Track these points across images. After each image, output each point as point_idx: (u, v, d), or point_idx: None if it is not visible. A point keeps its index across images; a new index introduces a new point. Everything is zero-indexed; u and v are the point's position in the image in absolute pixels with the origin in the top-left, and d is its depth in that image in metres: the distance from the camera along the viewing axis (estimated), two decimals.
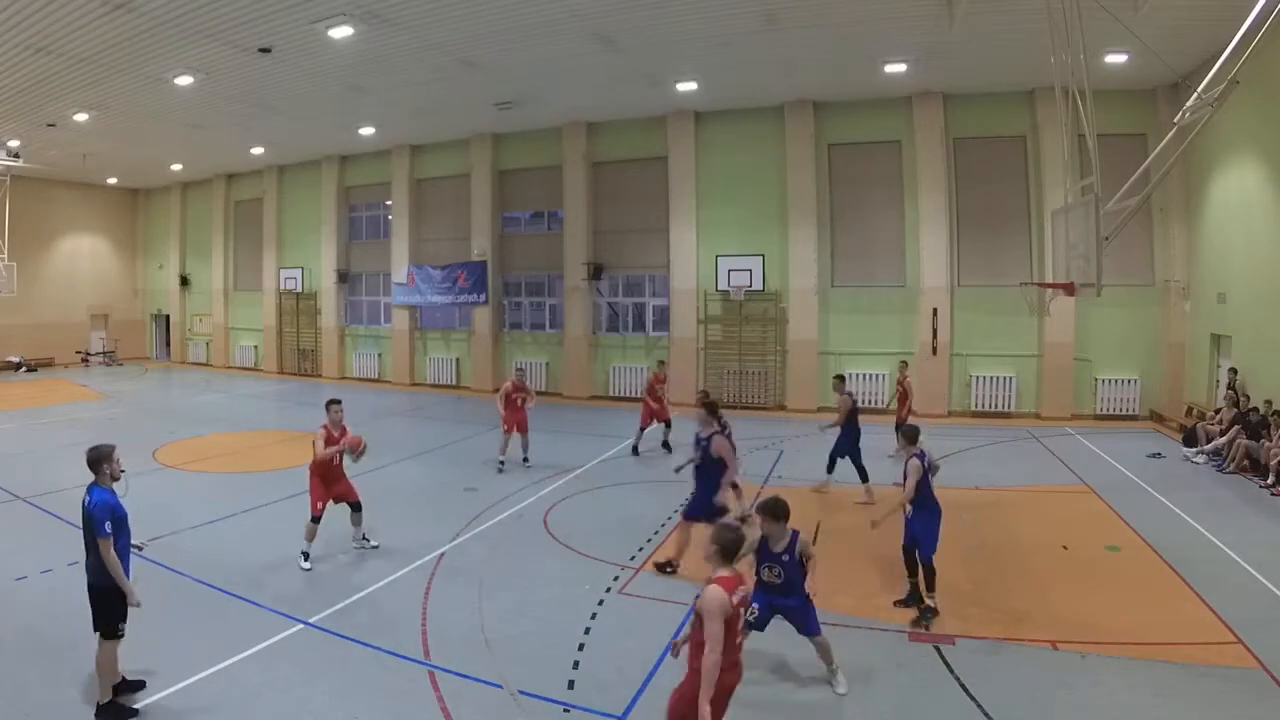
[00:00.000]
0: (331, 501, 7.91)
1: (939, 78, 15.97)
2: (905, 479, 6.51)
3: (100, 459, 4.97)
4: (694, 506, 7.50)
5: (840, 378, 11.45)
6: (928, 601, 6.47)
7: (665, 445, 13.54)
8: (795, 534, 5.30)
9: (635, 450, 13.38)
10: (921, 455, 6.66)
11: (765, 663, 5.59)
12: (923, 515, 6.51)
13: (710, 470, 7.43)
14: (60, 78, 14.94)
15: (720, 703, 3.82)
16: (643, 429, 13.57)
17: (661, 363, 15.47)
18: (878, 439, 12.71)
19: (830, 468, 10.69)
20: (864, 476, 10.39)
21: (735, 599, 3.86)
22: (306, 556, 7.68)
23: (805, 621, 5.36)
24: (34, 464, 11.85)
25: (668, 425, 13.73)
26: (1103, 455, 12.85)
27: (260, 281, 26.78)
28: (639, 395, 19.39)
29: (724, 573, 3.95)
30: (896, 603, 6.68)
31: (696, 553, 8.16)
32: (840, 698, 5.21)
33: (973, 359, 17.10)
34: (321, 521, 7.74)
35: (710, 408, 7.81)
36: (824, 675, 5.39)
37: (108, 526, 4.78)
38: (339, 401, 8.11)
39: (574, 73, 15.63)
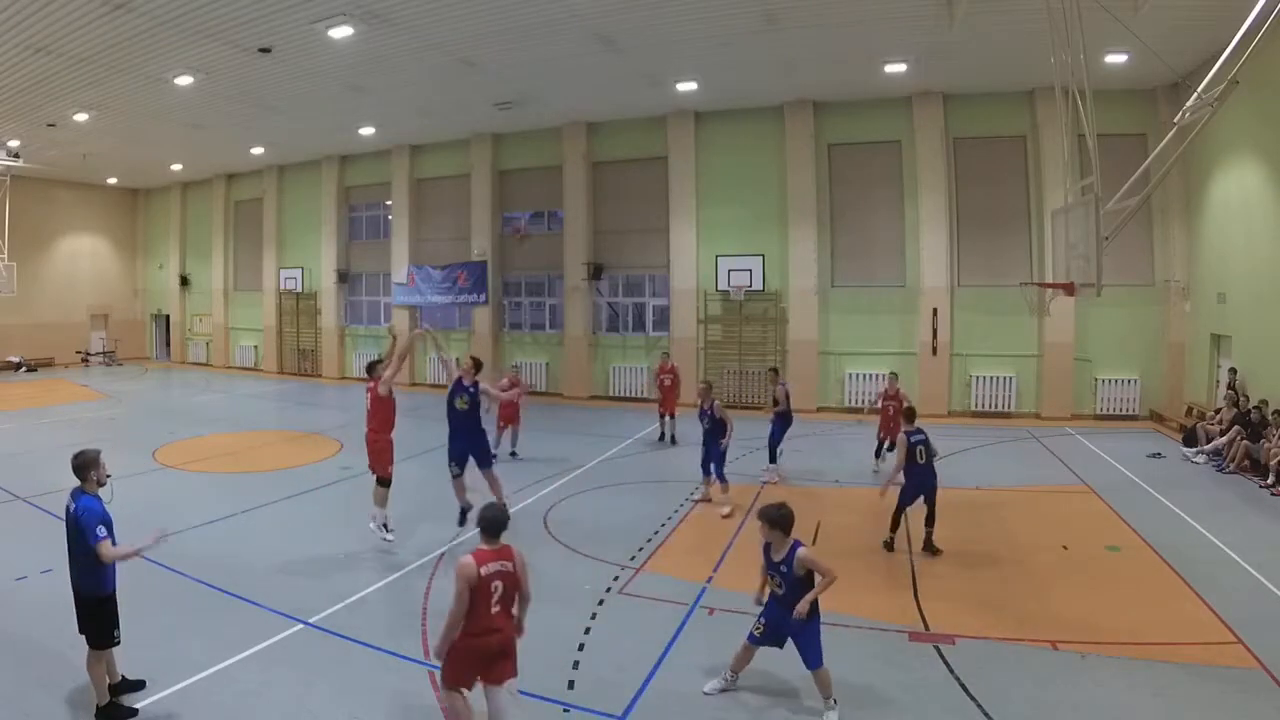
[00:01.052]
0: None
1: (939, 78, 15.97)
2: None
3: (86, 465, 4.87)
4: (482, 457, 8.61)
5: (775, 369, 12.87)
6: (890, 534, 8.19)
7: (665, 437, 13.82)
8: (796, 545, 4.96)
9: (671, 440, 13.99)
10: (913, 434, 8.06)
11: (760, 677, 5.58)
12: (910, 478, 8.01)
13: (475, 418, 8.63)
14: (60, 78, 14.94)
15: (474, 664, 4.26)
16: (667, 417, 14.19)
17: (665, 354, 15.66)
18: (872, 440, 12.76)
19: (773, 456, 11.46)
20: (774, 458, 11.43)
21: (484, 570, 4.20)
22: (387, 526, 8.06)
23: (804, 649, 4.98)
24: (34, 464, 11.84)
25: (670, 417, 14.04)
26: (1103, 455, 12.85)
27: (260, 281, 26.77)
28: (639, 395, 19.53)
29: (482, 545, 4.33)
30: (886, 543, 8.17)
31: (679, 549, 8.23)
32: (819, 698, 5.11)
33: (973, 359, 17.10)
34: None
35: (475, 363, 8.89)
36: (800, 671, 5.10)
37: (101, 530, 4.65)
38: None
39: (574, 73, 15.62)
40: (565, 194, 20.42)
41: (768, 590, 5.21)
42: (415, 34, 13.18)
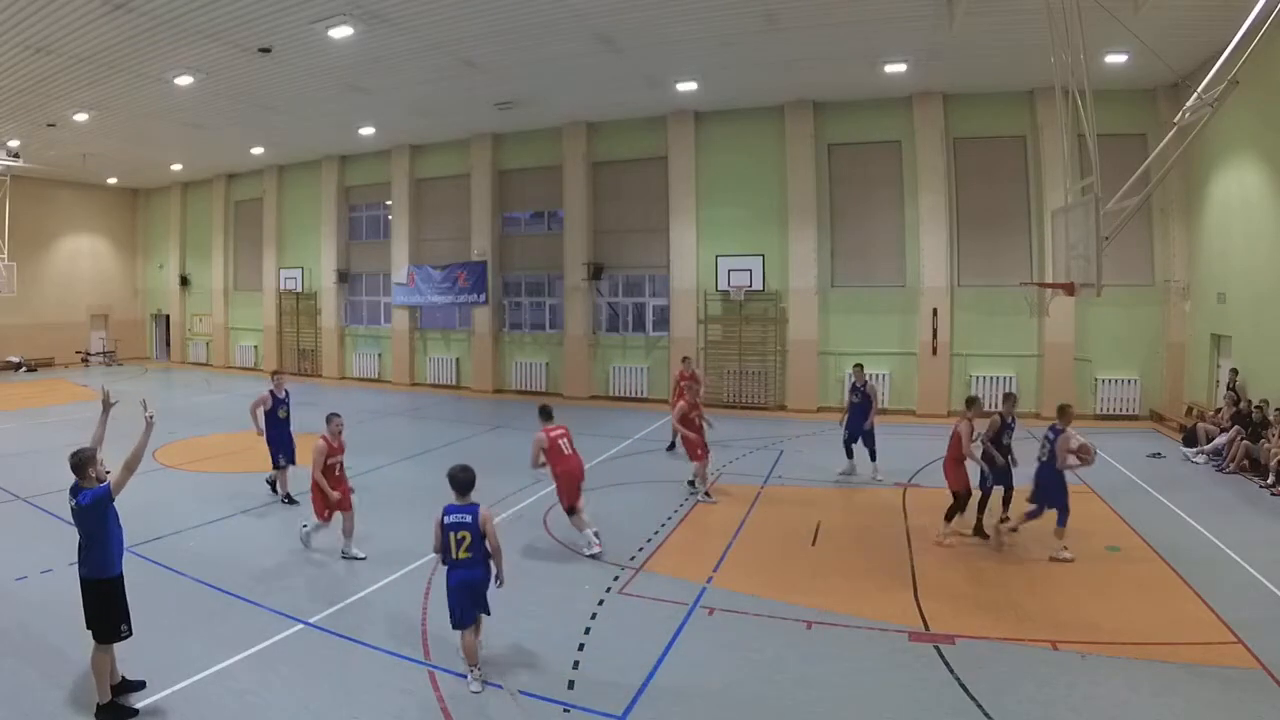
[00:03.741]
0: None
1: (939, 78, 15.96)
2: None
3: (83, 463, 4.95)
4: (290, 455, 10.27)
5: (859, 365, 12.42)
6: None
7: (675, 447, 13.42)
8: (475, 508, 5.49)
9: (671, 446, 13.21)
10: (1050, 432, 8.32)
11: (759, 664, 5.58)
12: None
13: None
14: (60, 78, 14.93)
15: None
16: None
17: (686, 359, 14.58)
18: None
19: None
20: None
21: (326, 439, 7.80)
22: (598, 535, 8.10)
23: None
24: (34, 464, 11.83)
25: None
26: (1103, 455, 12.79)
27: (260, 281, 26.77)
28: (640, 395, 19.51)
29: (325, 433, 7.82)
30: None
31: (679, 549, 8.23)
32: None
33: (973, 359, 17.08)
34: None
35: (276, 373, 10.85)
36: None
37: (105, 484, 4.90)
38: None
39: (574, 73, 15.62)
40: (565, 194, 20.42)
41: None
42: (415, 34, 13.17)
